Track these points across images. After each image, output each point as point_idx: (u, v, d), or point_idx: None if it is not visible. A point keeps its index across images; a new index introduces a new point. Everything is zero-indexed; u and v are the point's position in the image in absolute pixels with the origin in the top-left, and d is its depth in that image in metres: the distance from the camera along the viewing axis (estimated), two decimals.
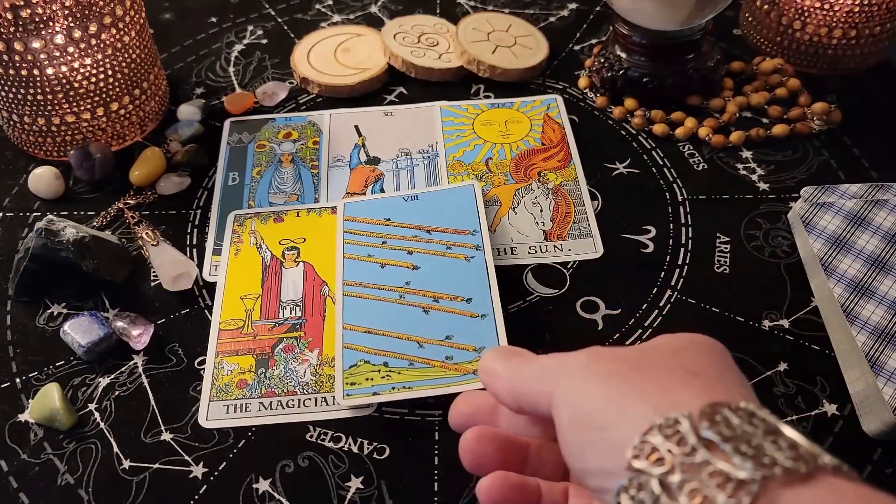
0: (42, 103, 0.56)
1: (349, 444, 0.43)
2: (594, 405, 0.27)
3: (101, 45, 0.55)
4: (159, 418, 0.45)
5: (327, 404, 0.45)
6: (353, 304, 0.49)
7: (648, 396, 0.26)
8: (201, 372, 0.47)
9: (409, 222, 0.53)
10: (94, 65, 0.56)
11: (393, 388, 0.45)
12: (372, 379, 0.45)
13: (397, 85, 0.66)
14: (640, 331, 0.48)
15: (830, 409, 0.44)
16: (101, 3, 0.54)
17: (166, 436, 0.44)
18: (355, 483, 0.42)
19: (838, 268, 0.47)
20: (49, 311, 0.51)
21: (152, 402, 0.46)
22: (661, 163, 0.59)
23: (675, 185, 0.57)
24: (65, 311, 0.51)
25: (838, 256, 0.48)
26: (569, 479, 0.33)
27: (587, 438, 0.27)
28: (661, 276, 0.51)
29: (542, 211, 0.55)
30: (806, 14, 0.63)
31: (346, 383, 0.45)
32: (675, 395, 0.26)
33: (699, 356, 0.29)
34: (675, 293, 0.50)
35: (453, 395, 0.44)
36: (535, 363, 0.31)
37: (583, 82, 0.65)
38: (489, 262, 0.50)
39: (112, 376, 0.47)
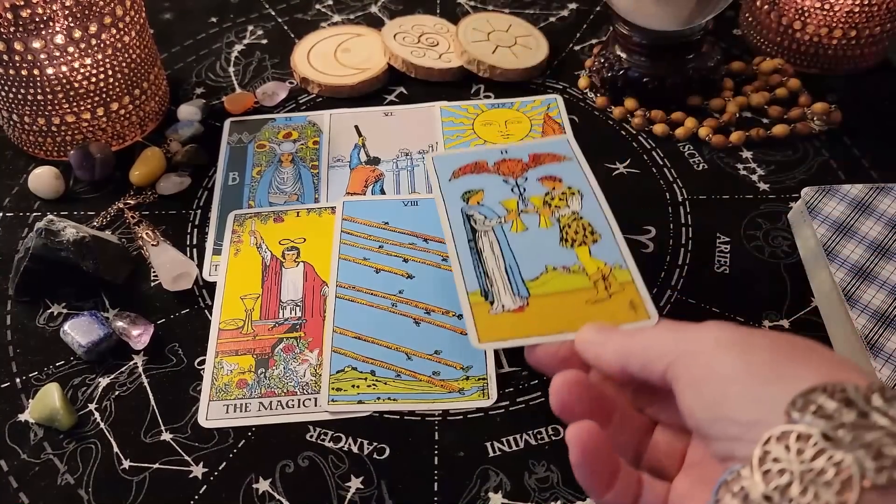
0: (42, 103, 0.56)
1: (349, 444, 0.43)
2: (730, 376, 0.28)
3: (102, 45, 0.55)
4: (159, 418, 0.45)
5: None
6: (345, 308, 0.49)
7: (800, 368, 0.27)
8: (201, 372, 0.47)
9: (407, 228, 0.53)
10: (95, 65, 0.56)
11: (378, 399, 0.45)
12: (358, 387, 0.45)
13: (397, 85, 0.66)
14: None
15: None
16: (102, 3, 0.54)
17: (166, 436, 0.44)
18: (355, 483, 0.42)
19: (841, 253, 0.48)
20: (49, 311, 0.51)
21: (152, 402, 0.46)
22: (661, 163, 0.59)
23: (675, 185, 0.57)
24: (65, 311, 0.51)
25: (841, 242, 0.48)
26: (642, 451, 0.35)
27: (718, 413, 0.28)
28: (662, 276, 0.51)
29: None
30: (806, 14, 0.63)
31: (332, 388, 0.45)
32: (831, 369, 0.27)
33: (819, 347, 0.29)
34: (675, 293, 0.50)
35: (437, 411, 0.44)
36: (651, 331, 0.34)
37: (583, 82, 0.65)
38: None
39: (112, 376, 0.47)
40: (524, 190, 0.48)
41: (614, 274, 0.44)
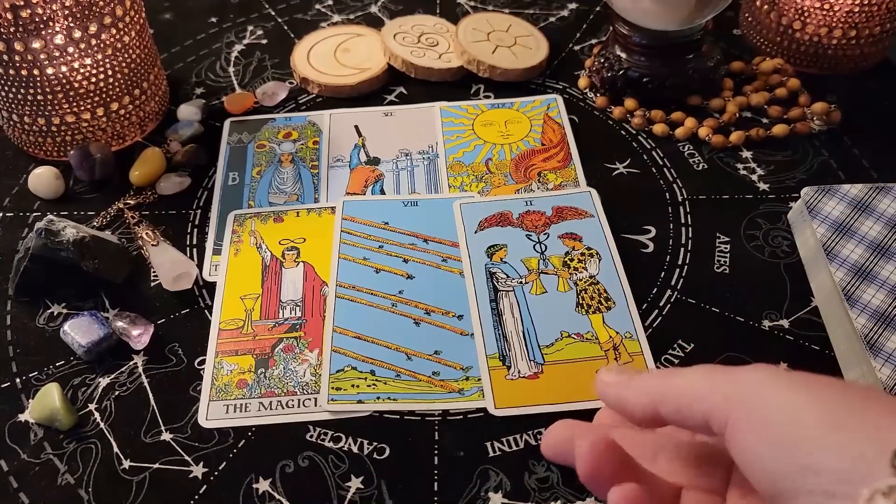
0: (42, 103, 0.56)
1: (349, 444, 0.43)
2: (809, 420, 0.25)
3: (101, 46, 0.55)
4: (159, 418, 0.45)
5: None
6: (345, 308, 0.49)
7: (886, 416, 0.24)
8: (201, 372, 0.47)
9: (407, 229, 0.53)
10: (94, 65, 0.56)
11: (378, 399, 0.45)
12: (358, 386, 0.45)
13: (397, 85, 0.66)
14: None
15: None
16: (101, 3, 0.54)
17: (166, 436, 0.44)
18: (355, 483, 0.42)
19: (840, 253, 0.48)
20: (49, 311, 0.51)
21: (152, 402, 0.46)
22: (661, 163, 0.59)
23: (675, 185, 0.57)
24: (65, 311, 0.51)
25: (841, 242, 0.48)
26: None
27: (798, 461, 0.25)
28: (662, 276, 0.51)
29: None
30: (806, 14, 0.63)
31: (332, 388, 0.45)
32: None
33: (883, 393, 0.26)
34: (675, 293, 0.50)
35: (437, 411, 0.44)
36: (688, 371, 0.30)
37: (583, 82, 0.65)
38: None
39: (112, 376, 0.47)
40: (545, 248, 0.51)
41: (625, 344, 0.46)
